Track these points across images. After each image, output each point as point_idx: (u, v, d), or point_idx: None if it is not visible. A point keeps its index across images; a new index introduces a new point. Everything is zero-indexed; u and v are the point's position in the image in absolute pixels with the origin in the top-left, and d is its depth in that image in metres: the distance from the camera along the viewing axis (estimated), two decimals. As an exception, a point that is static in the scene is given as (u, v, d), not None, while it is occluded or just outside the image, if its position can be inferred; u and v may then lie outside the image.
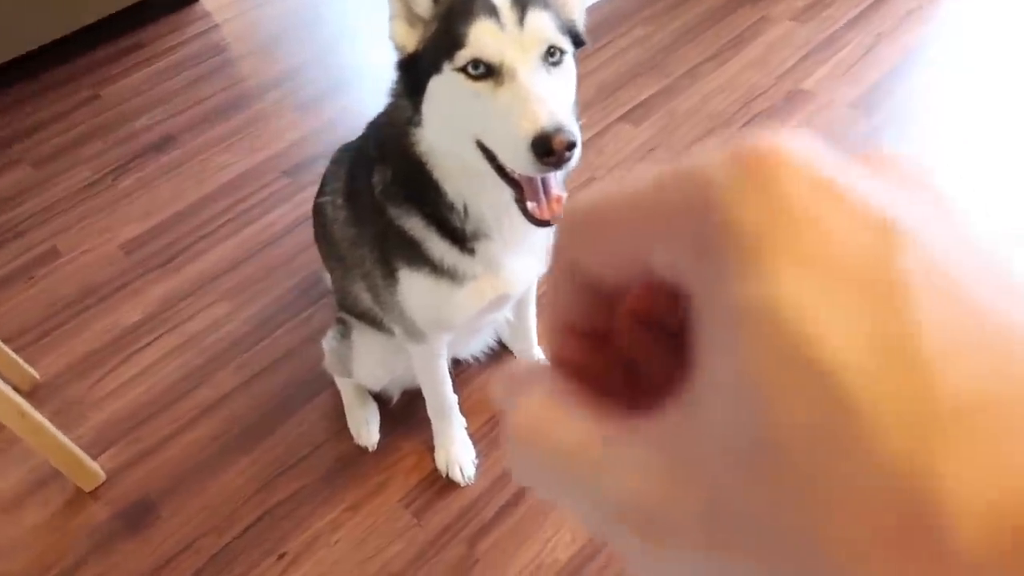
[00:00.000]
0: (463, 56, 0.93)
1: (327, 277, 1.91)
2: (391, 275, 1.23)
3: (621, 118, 2.35)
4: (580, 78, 1.05)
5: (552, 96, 0.91)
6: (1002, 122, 2.12)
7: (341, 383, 1.71)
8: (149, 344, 1.94)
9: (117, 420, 1.77)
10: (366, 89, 2.69)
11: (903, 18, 2.54)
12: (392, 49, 1.05)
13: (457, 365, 1.71)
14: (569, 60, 0.98)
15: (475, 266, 1.17)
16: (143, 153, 2.56)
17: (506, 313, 1.45)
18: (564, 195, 1.00)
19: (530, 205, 0.98)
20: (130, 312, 2.03)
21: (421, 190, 1.10)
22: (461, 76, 0.94)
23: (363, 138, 1.29)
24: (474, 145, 0.99)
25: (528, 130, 0.87)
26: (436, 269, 1.17)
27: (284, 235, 2.17)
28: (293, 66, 2.87)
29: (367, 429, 1.65)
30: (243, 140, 2.55)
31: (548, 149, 0.87)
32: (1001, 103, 2.18)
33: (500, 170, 0.99)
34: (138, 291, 2.09)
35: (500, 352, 1.77)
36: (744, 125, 2.25)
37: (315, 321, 1.92)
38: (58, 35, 2.99)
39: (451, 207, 1.11)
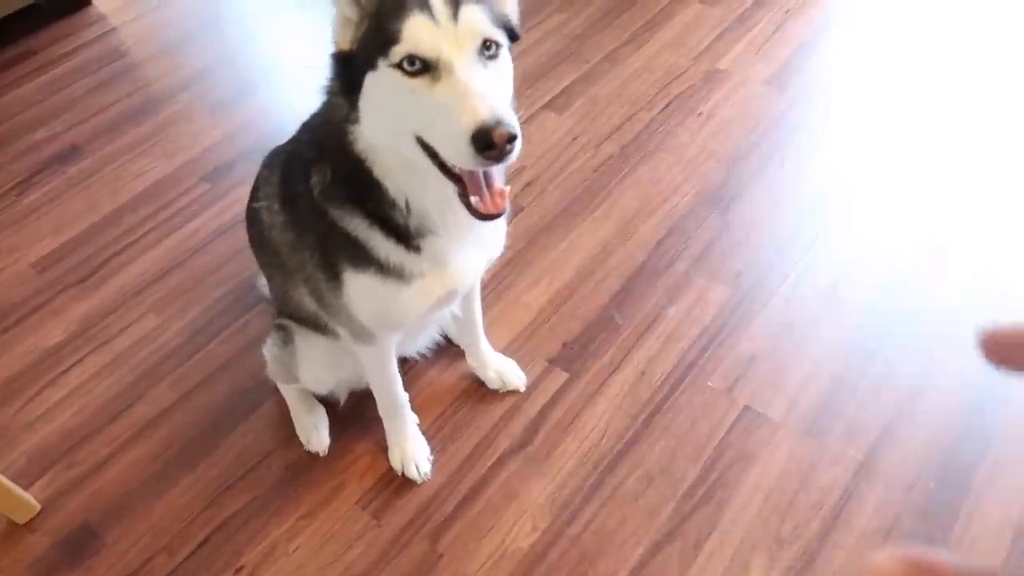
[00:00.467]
0: (398, 52, 0.91)
1: (261, 282, 1.87)
2: (335, 278, 1.21)
3: (545, 106, 2.37)
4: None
5: (490, 90, 0.90)
6: (903, 90, 2.24)
7: (285, 390, 1.67)
8: (75, 364, 1.85)
9: (48, 446, 1.68)
10: (278, 89, 2.62)
11: (806, -4, 2.64)
12: (330, 47, 1.03)
13: (404, 363, 1.70)
14: (505, 54, 0.97)
15: (422, 263, 1.16)
16: (48, 166, 2.43)
17: (453, 308, 1.45)
18: (506, 188, 1.00)
19: (473, 200, 0.97)
20: (51, 332, 1.93)
21: (362, 188, 1.09)
22: (397, 72, 0.93)
23: (295, 140, 1.26)
24: (414, 141, 0.98)
25: (468, 124, 0.87)
26: (382, 269, 1.16)
27: (211, 241, 2.09)
28: (200, 68, 2.77)
29: (317, 434, 1.62)
30: (156, 146, 2.45)
31: (489, 143, 0.86)
32: (901, 71, 2.30)
33: (442, 166, 0.98)
34: (57, 310, 1.98)
35: (446, 347, 1.76)
36: (665, 108, 2.30)
37: (252, 328, 1.87)
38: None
39: (393, 204, 1.10)
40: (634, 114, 2.30)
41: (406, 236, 1.13)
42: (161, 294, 1.98)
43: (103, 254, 2.11)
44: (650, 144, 2.19)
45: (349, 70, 0.99)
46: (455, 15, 0.91)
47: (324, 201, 1.14)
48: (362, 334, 1.31)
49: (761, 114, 2.23)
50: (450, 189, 1.02)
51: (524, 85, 2.44)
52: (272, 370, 1.61)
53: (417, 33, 0.90)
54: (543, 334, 1.77)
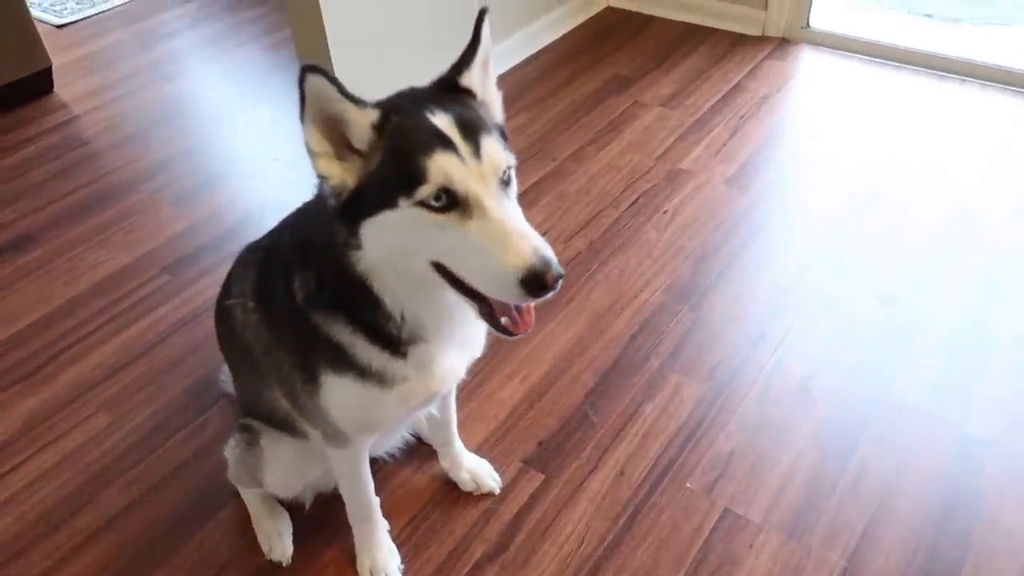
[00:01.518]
0: (424, 191, 0.89)
1: (223, 378, 1.80)
2: (313, 380, 1.16)
3: (513, 201, 2.39)
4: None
5: (526, 226, 0.90)
6: (860, 185, 2.34)
7: (247, 494, 1.58)
8: (17, 466, 1.72)
9: (-18, 559, 1.55)
10: (242, 181, 2.61)
11: (759, 103, 2.77)
12: (325, 186, 0.98)
13: (374, 463, 1.62)
14: (513, 175, 0.97)
15: (405, 368, 1.13)
16: (-2, 254, 2.34)
17: (432, 408, 1.40)
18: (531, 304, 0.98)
19: (504, 320, 0.97)
20: (-9, 432, 1.81)
21: (355, 301, 1.05)
22: (423, 210, 0.90)
23: (274, 239, 1.23)
24: (429, 267, 0.96)
25: (516, 266, 0.86)
26: (363, 373, 1.12)
27: (170, 335, 2.02)
28: (165, 158, 2.74)
29: (280, 542, 1.52)
30: (115, 236, 2.38)
31: (542, 284, 0.87)
32: (855, 166, 2.40)
33: (463, 288, 0.96)
34: (1, 407, 1.87)
35: (417, 447, 1.70)
36: (631, 205, 2.35)
37: (211, 427, 1.78)
38: None
39: (388, 316, 1.06)
40: (602, 211, 2.34)
41: (395, 343, 1.09)
42: (115, 390, 1.89)
43: (53, 348, 2.01)
44: (618, 240, 2.22)
45: (353, 205, 0.96)
46: (478, 151, 0.91)
47: (307, 306, 1.10)
48: (336, 436, 1.25)
49: (725, 213, 2.29)
50: (448, 300, 1.03)
51: (492, 181, 2.46)
52: (233, 473, 1.52)
53: (445, 171, 0.89)
54: (518, 432, 1.73)
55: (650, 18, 3.36)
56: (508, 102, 2.86)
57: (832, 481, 1.60)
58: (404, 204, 0.91)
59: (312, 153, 0.94)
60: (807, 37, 3.09)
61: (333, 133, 0.94)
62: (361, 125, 0.93)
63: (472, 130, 0.92)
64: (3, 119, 2.99)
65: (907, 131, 2.60)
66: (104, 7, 3.84)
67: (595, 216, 2.32)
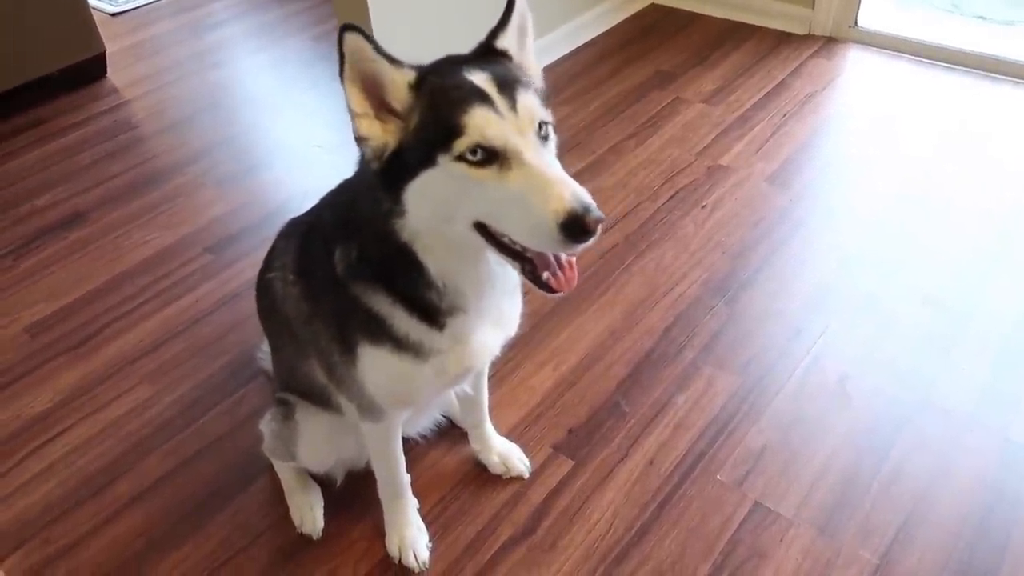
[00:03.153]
0: (462, 144, 0.90)
1: (261, 355, 1.83)
2: (350, 351, 1.18)
3: (551, 192, 2.39)
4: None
5: (564, 174, 0.90)
6: (902, 187, 2.29)
7: (280, 468, 1.61)
8: (61, 433, 1.78)
9: (26, 520, 1.59)
10: (286, 166, 2.64)
11: (804, 101, 2.73)
12: (357, 143, 0.99)
13: (405, 444, 1.63)
14: (552, 131, 0.98)
15: (442, 340, 1.14)
16: (48, 231, 2.41)
17: (465, 385, 1.41)
18: (574, 259, 0.99)
19: (545, 275, 0.97)
20: (38, 399, 1.86)
21: (397, 270, 1.07)
22: (462, 165, 0.91)
23: (316, 215, 1.25)
24: (471, 228, 0.97)
25: (558, 212, 0.86)
26: (400, 344, 1.13)
27: (211, 313, 2.06)
28: (210, 143, 2.80)
29: (311, 515, 1.55)
30: (160, 217, 2.44)
31: (582, 228, 0.86)
32: (899, 168, 2.36)
33: (504, 248, 0.97)
34: (46, 377, 1.92)
35: (449, 429, 1.72)
36: (669, 199, 2.34)
37: (248, 402, 1.81)
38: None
39: (430, 285, 1.07)
40: (639, 204, 2.33)
41: (434, 314, 1.10)
42: (156, 364, 1.93)
43: (98, 322, 2.07)
44: (655, 234, 2.21)
45: (395, 167, 0.97)
46: (514, 104, 0.92)
47: (348, 278, 1.12)
48: (371, 410, 1.27)
49: (764, 210, 2.27)
50: (488, 268, 1.06)
51: (531, 172, 2.47)
52: (268, 446, 1.55)
53: (482, 124, 0.90)
54: (548, 419, 1.73)
55: (694, 15, 3.33)
56: (550, 95, 2.87)
57: (867, 480, 1.57)
58: (443, 161, 0.92)
59: (353, 114, 0.96)
60: (855, 36, 3.04)
61: (372, 94, 0.95)
62: (398, 85, 0.95)
63: (508, 85, 0.93)
64: (58, 102, 3.08)
65: (957, 132, 2.54)
66: (157, -4, 3.93)
67: (632, 209, 2.31)
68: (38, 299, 2.16)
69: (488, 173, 0.91)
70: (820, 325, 1.90)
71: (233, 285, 2.14)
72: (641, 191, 2.38)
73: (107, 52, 3.23)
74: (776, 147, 2.52)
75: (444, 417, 1.70)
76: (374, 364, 1.16)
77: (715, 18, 3.29)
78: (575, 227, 0.86)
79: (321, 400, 1.39)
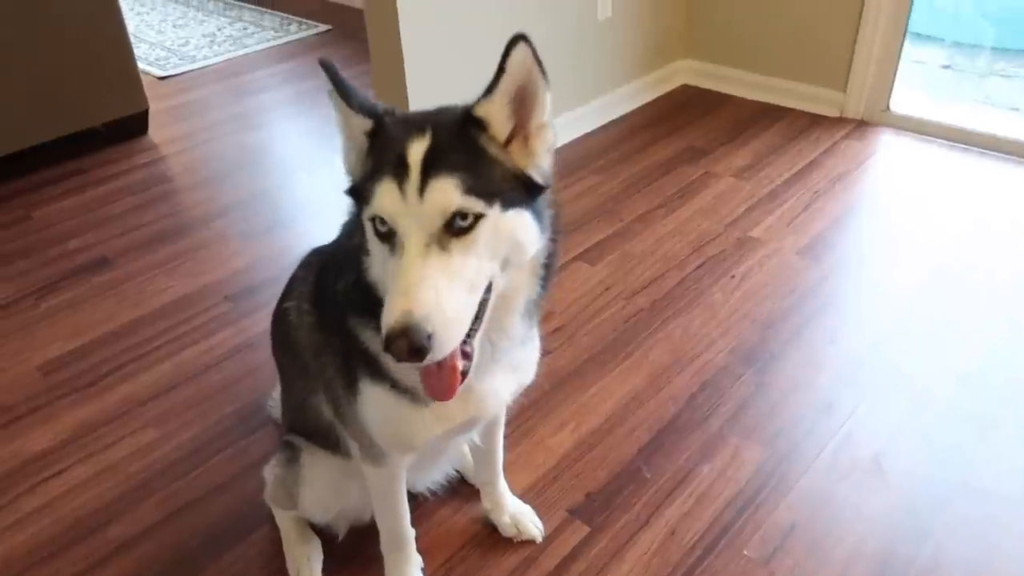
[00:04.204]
0: (367, 212, 0.89)
1: (271, 404, 1.79)
2: (352, 386, 1.12)
3: (578, 257, 2.37)
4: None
5: (425, 286, 0.82)
6: (940, 266, 2.23)
7: (280, 517, 1.53)
8: (59, 473, 1.72)
9: (13, 559, 1.52)
10: (311, 223, 2.65)
11: (836, 179, 2.71)
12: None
13: (413, 499, 1.56)
14: (488, 223, 0.87)
15: None
16: (74, 274, 2.42)
17: (473, 436, 1.34)
18: (461, 363, 0.91)
19: (420, 379, 0.93)
20: (40, 438, 1.82)
21: (376, 305, 0.99)
22: (371, 227, 0.90)
23: (336, 241, 1.23)
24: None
25: (386, 323, 0.82)
26: (396, 385, 1.07)
27: (226, 359, 2.02)
28: (240, 198, 2.83)
29: (308, 568, 1.46)
30: (184, 265, 2.44)
31: (391, 351, 0.81)
32: (937, 248, 2.30)
33: None
34: (51, 415, 1.88)
35: (460, 486, 1.63)
36: (698, 268, 2.29)
37: (254, 451, 1.75)
38: (-5, 155, 2.89)
39: None
40: (667, 271, 2.28)
41: None
42: (165, 408, 1.89)
43: (112, 363, 2.04)
44: (682, 301, 2.16)
45: (357, 202, 0.96)
46: (423, 188, 0.85)
47: (345, 306, 1.08)
48: (373, 451, 1.20)
49: (796, 282, 2.21)
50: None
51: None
52: (271, 493, 1.48)
53: (381, 200, 0.87)
54: (565, 481, 1.64)
55: (725, 96, 3.37)
56: (578, 165, 2.89)
57: (904, 566, 1.46)
58: (365, 217, 0.91)
59: (344, 140, 0.99)
60: (888, 120, 3.04)
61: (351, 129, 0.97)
62: (357, 131, 0.96)
63: (434, 165, 0.86)
64: (100, 154, 3.15)
65: (992, 214, 2.49)
66: (203, 63, 4.08)
67: (659, 276, 2.27)
68: (56, 338, 2.14)
69: (383, 247, 0.89)
70: (852, 401, 1.82)
71: (250, 334, 2.11)
72: (669, 259, 2.34)
73: (150, 111, 3.32)
74: (807, 222, 2.48)
75: (456, 472, 1.62)
76: (373, 403, 1.11)
77: (746, 99, 3.32)
78: (387, 344, 0.82)
79: (327, 442, 1.33)
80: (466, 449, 1.59)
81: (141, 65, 3.63)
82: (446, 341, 0.83)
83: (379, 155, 0.91)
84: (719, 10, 3.31)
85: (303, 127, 3.42)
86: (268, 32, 4.47)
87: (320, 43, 4.29)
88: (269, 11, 4.80)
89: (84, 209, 2.78)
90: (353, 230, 1.05)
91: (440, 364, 0.89)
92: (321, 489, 1.38)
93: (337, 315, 1.10)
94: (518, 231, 0.91)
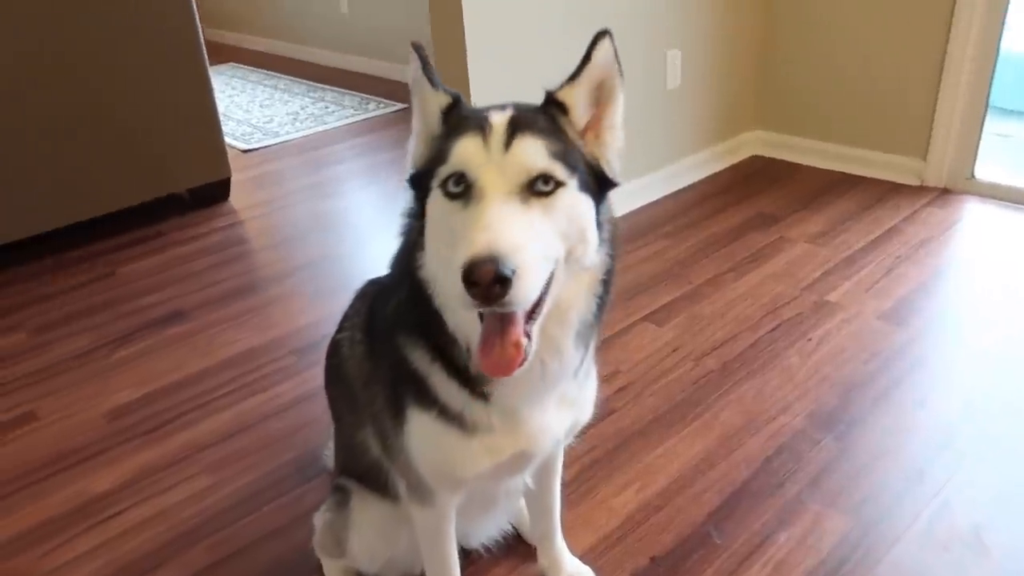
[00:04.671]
0: (443, 172, 0.86)
1: (327, 454, 1.76)
2: (400, 414, 1.08)
3: (644, 318, 2.30)
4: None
5: (507, 225, 0.79)
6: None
7: (328, 567, 1.48)
8: (116, 515, 1.71)
9: (61, 597, 1.50)
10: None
11: (918, 246, 2.59)
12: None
13: (466, 556, 1.48)
14: (567, 194, 0.86)
15: (489, 414, 1.01)
16: (148, 326, 2.48)
17: (526, 479, 1.27)
18: (524, 340, 0.84)
19: (477, 350, 0.85)
20: (101, 480, 1.82)
21: (427, 318, 0.97)
22: (440, 193, 0.86)
23: (389, 272, 1.21)
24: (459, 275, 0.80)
25: (463, 256, 0.76)
26: (443, 412, 1.02)
27: (287, 409, 2.02)
28: (312, 259, 2.89)
29: (355, 623, 1.39)
30: (254, 319, 2.48)
31: (472, 280, 0.75)
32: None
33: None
34: (115, 459, 1.89)
35: (516, 544, 1.55)
36: (772, 331, 2.19)
37: (307, 501, 1.71)
38: (85, 217, 3.04)
39: (453, 340, 0.96)
40: (738, 333, 2.19)
41: (469, 379, 0.98)
42: (222, 455, 1.87)
43: (176, 410, 2.05)
44: (755, 363, 2.06)
45: (419, 193, 0.94)
46: (508, 143, 0.84)
47: (394, 327, 1.04)
48: (420, 489, 1.14)
49: (878, 346, 2.09)
50: None
51: (624, 297, 2.40)
52: (319, 540, 1.43)
53: (463, 154, 0.85)
54: (629, 544, 1.54)
55: (797, 166, 3.31)
56: (646, 231, 2.85)
57: (1016, 654, 1.29)
58: (434, 185, 0.88)
59: (413, 135, 0.97)
60: (972, 188, 2.92)
61: (427, 111, 0.96)
62: (433, 109, 0.94)
63: (517, 127, 0.85)
64: (184, 217, 3.29)
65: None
66: (285, 138, 4.27)
67: (731, 338, 2.18)
68: (125, 386, 2.18)
69: (454, 206, 0.84)
70: (947, 468, 1.67)
71: (311, 386, 2.10)
72: (740, 321, 2.25)
73: (233, 179, 3.47)
74: (889, 287, 2.36)
75: (511, 527, 1.53)
76: (420, 431, 1.06)
77: (819, 168, 3.26)
78: (468, 274, 0.75)
79: (377, 484, 1.28)
80: (523, 503, 1.52)
81: (227, 139, 3.81)
82: (526, 286, 0.77)
83: (456, 124, 0.90)
84: (789, 80, 3.29)
85: (375, 195, 3.51)
86: (348, 110, 4.67)
87: (397, 119, 4.44)
88: (350, 91, 5.03)
89: (164, 267, 2.88)
90: (407, 240, 1.03)
91: (503, 333, 0.83)
92: (370, 535, 1.33)
93: (387, 338, 1.07)
94: (586, 217, 0.89)
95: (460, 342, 0.96)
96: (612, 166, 0.96)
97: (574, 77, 0.93)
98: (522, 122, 0.87)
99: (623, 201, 2.91)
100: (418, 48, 0.92)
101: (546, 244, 0.83)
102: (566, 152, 0.88)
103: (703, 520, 1.58)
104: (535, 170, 0.84)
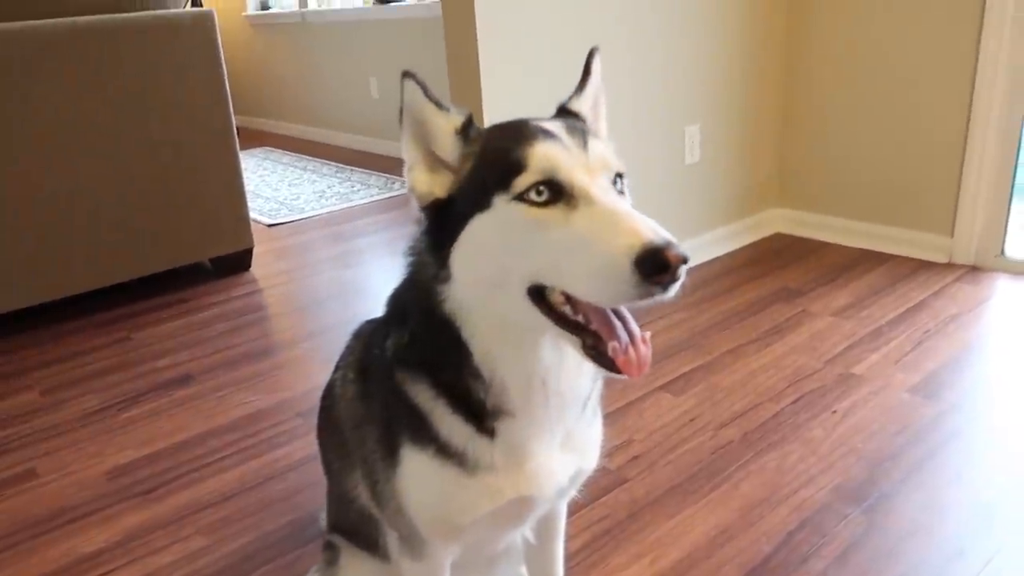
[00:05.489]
0: (523, 181, 0.81)
1: (323, 517, 1.68)
2: (393, 453, 1.02)
3: (661, 387, 2.23)
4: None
5: (642, 217, 0.77)
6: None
7: (318, 634, 1.38)
8: (104, 575, 1.64)
9: (34, 658, 1.42)
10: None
11: (947, 320, 2.51)
12: (414, 201, 0.94)
13: (464, 624, 1.38)
14: (625, 192, 0.88)
15: (492, 452, 0.96)
16: (158, 388, 2.46)
17: (527, 534, 1.19)
18: (648, 335, 0.83)
19: (612, 347, 0.80)
20: (93, 539, 1.75)
21: (442, 354, 0.93)
22: (522, 206, 0.81)
23: (384, 313, 1.17)
24: (524, 295, 0.83)
25: (630, 246, 0.73)
26: (442, 450, 0.96)
27: (288, 471, 1.95)
28: (328, 325, 2.88)
29: None
30: (264, 383, 2.44)
31: (662, 263, 0.72)
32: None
33: (563, 320, 0.83)
34: (109, 518, 1.83)
35: (517, 614, 1.44)
36: (795, 402, 2.10)
37: (301, 565, 1.63)
38: (110, 282, 3.07)
39: (476, 373, 0.92)
40: (759, 404, 2.11)
41: (479, 414, 0.94)
42: (219, 516, 1.80)
43: (176, 471, 2.00)
44: (777, 434, 1.96)
45: (443, 221, 0.89)
46: (584, 144, 0.85)
47: (394, 363, 1.00)
48: (411, 540, 1.07)
49: (909, 419, 1.99)
50: (543, 363, 0.90)
51: (641, 367, 2.33)
52: (309, 602, 1.35)
53: (549, 158, 0.81)
54: (640, 619, 1.43)
55: (821, 243, 3.27)
56: (665, 304, 2.81)
57: None
58: (500, 202, 0.82)
59: (406, 166, 0.91)
60: (1002, 265, 2.85)
61: (422, 142, 0.91)
62: (444, 131, 0.90)
63: (579, 131, 0.87)
64: (204, 285, 3.32)
65: None
66: (310, 214, 4.34)
67: (751, 408, 2.09)
68: (128, 446, 2.13)
69: (552, 214, 0.80)
70: (988, 548, 1.54)
71: (314, 448, 1.99)
72: (762, 392, 2.17)
73: (256, 252, 3.51)
74: (919, 360, 2.27)
75: (512, 594, 1.43)
76: (414, 471, 0.99)
77: (844, 246, 3.21)
78: (653, 262, 0.72)
79: (366, 539, 1.21)
80: (523, 571, 1.42)
81: (253, 215, 3.90)
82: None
83: (495, 139, 0.88)
84: (811, 157, 3.29)
85: (394, 265, 3.50)
86: (373, 189, 4.75)
87: (420, 198, 4.50)
88: (376, 172, 5.14)
89: (180, 332, 2.88)
90: (408, 282, 0.99)
91: (631, 332, 0.82)
92: (359, 595, 1.24)
93: (382, 375, 1.02)
94: None
95: (484, 374, 0.92)
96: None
97: (581, 89, 1.00)
98: (578, 128, 0.89)
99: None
100: (412, 75, 0.91)
101: None
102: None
103: (721, 596, 1.47)
104: (615, 167, 0.86)
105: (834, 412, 2.05)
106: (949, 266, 2.93)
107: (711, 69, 3.00)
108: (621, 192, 0.86)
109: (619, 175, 0.87)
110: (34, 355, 2.75)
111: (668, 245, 0.73)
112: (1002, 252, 2.86)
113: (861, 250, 3.15)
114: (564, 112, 0.98)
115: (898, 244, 3.08)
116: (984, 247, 2.88)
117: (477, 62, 2.35)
